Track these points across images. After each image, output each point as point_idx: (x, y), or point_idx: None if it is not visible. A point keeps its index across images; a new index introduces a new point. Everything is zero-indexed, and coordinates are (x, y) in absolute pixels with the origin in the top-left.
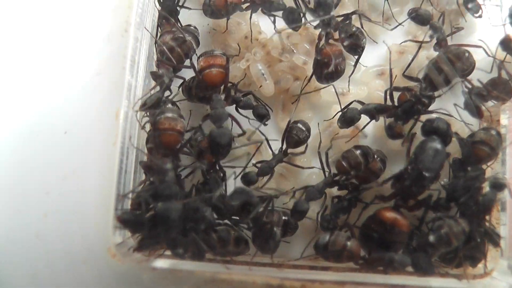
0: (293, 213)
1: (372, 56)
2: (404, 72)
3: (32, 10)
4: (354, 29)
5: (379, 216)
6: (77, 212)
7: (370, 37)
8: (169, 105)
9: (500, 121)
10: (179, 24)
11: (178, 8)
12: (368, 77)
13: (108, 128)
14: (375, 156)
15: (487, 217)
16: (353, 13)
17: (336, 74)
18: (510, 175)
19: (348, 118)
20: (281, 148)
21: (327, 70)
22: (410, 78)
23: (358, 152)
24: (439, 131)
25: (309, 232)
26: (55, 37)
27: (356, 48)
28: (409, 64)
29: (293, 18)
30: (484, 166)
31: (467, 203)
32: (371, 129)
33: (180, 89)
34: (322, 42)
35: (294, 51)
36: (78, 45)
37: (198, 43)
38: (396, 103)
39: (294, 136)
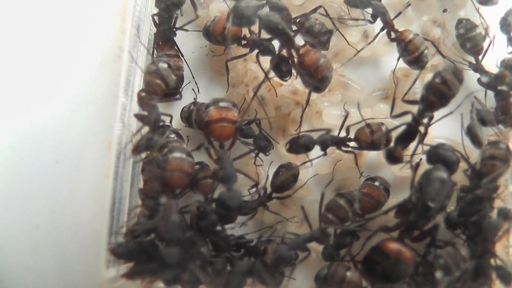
0: (273, 261)
1: (375, 79)
2: (403, 96)
3: (21, 36)
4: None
5: (382, 247)
6: (68, 246)
7: (371, 58)
8: (175, 143)
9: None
10: (176, 47)
11: (175, 30)
12: (371, 101)
13: (100, 159)
14: (379, 184)
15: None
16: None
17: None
18: None
19: (299, 145)
20: (265, 191)
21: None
22: (410, 102)
23: (340, 198)
24: (445, 159)
25: (311, 263)
26: (46, 64)
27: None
28: (409, 88)
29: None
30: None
31: (471, 228)
32: (375, 155)
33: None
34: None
35: (294, 75)
36: (69, 72)
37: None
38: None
39: (278, 182)
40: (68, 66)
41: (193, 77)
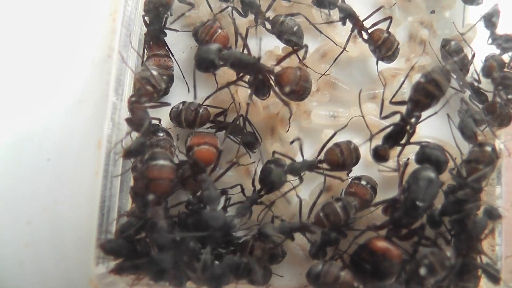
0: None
1: (364, 79)
2: (391, 99)
3: (13, 36)
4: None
5: (370, 245)
6: (58, 242)
7: (360, 58)
8: (159, 149)
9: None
10: (166, 47)
11: (165, 30)
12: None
13: (90, 157)
14: (366, 183)
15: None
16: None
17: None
18: (506, 199)
19: (272, 181)
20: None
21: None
22: (398, 103)
23: (338, 204)
24: (433, 159)
25: (298, 261)
26: (38, 63)
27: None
28: (397, 90)
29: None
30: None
31: (456, 226)
32: (363, 153)
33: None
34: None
35: None
36: (61, 71)
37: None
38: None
39: (263, 177)
40: (60, 66)
41: (183, 77)
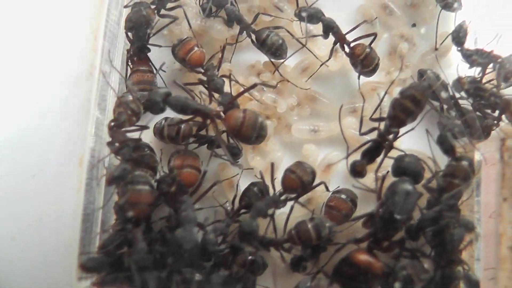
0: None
1: (345, 93)
2: (371, 116)
3: None
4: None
5: (352, 258)
6: (42, 258)
7: (340, 72)
8: (139, 172)
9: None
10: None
11: (148, 46)
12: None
13: (72, 174)
14: (346, 197)
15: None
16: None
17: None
18: (485, 211)
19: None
20: (232, 208)
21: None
22: (377, 119)
23: (310, 225)
24: (409, 170)
25: (281, 273)
26: (20, 80)
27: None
28: (377, 107)
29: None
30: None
31: (434, 239)
32: (343, 167)
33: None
34: None
35: (264, 89)
36: (43, 89)
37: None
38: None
39: (246, 199)
40: (42, 84)
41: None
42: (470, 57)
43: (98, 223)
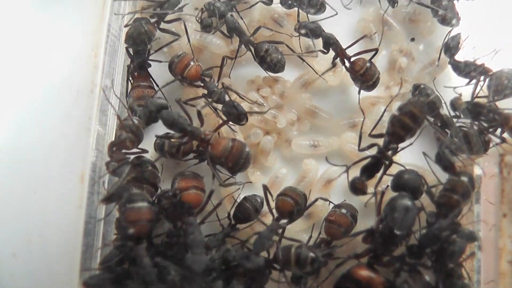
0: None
1: (345, 108)
2: (370, 132)
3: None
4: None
5: (352, 274)
6: (43, 274)
7: (340, 87)
8: (135, 190)
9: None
10: (150, 78)
11: (149, 61)
12: (339, 129)
13: (73, 191)
14: (346, 211)
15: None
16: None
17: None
18: (485, 224)
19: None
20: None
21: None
22: (376, 136)
23: (293, 251)
24: (409, 186)
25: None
26: (23, 97)
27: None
28: (376, 123)
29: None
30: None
31: (437, 252)
32: (343, 181)
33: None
34: None
35: (264, 104)
36: (45, 105)
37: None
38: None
39: (239, 214)
40: (44, 100)
41: (169, 107)
42: (459, 68)
43: (100, 237)
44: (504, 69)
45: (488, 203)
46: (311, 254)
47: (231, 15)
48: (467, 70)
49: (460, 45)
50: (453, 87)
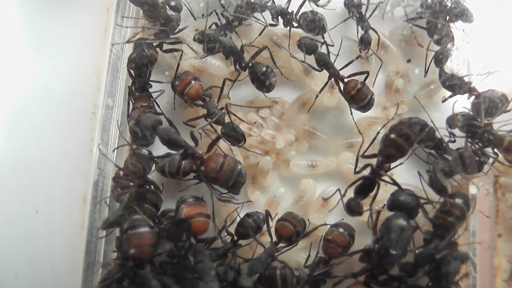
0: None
1: (342, 128)
2: (364, 153)
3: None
4: (264, 68)
5: None
6: None
7: (337, 108)
8: (136, 215)
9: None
10: (151, 98)
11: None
12: (337, 149)
13: (76, 211)
14: (343, 230)
15: None
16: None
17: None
18: (481, 245)
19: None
20: (232, 238)
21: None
22: (369, 156)
23: (278, 273)
24: (405, 206)
25: None
26: (26, 118)
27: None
28: (370, 144)
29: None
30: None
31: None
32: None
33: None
34: None
35: (263, 125)
36: (49, 127)
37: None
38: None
39: (241, 230)
40: (48, 122)
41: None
42: (444, 79)
43: (101, 254)
44: (495, 90)
45: (483, 222)
46: (296, 274)
47: (229, 37)
48: (451, 82)
49: (449, 56)
50: (443, 99)
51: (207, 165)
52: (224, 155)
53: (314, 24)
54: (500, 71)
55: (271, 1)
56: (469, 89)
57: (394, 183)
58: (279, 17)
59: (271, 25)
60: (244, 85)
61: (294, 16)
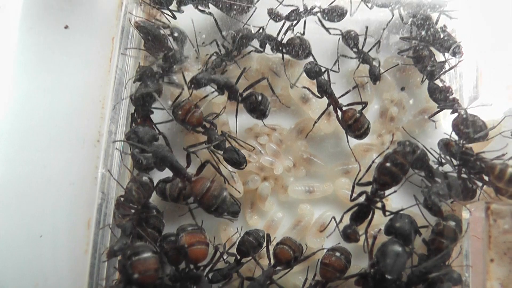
0: None
1: (339, 154)
2: (359, 180)
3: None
4: (260, 98)
5: None
6: None
7: (334, 134)
8: (139, 243)
9: (462, 214)
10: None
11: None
12: (334, 175)
13: (80, 236)
14: (340, 254)
15: None
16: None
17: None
18: (474, 268)
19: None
20: (236, 258)
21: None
22: (364, 184)
23: None
24: (400, 232)
25: None
26: (31, 145)
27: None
28: (366, 171)
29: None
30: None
31: None
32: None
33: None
34: None
35: (262, 152)
36: (53, 154)
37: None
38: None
39: (243, 248)
40: (52, 149)
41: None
42: (431, 91)
43: (104, 276)
44: (476, 115)
45: (476, 247)
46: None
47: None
48: (437, 95)
49: (442, 73)
50: (429, 116)
51: (194, 186)
52: (212, 180)
53: (301, 49)
54: (492, 104)
55: (261, 29)
56: (452, 102)
57: (385, 210)
58: (266, 44)
59: (256, 51)
60: (243, 112)
61: (281, 42)
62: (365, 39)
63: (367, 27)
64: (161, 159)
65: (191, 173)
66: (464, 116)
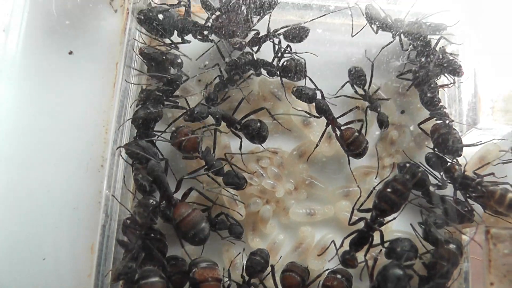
0: None
1: (339, 177)
2: (360, 206)
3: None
4: (258, 124)
5: None
6: None
7: (335, 157)
8: (146, 267)
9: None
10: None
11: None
12: (334, 197)
13: (83, 260)
14: (341, 276)
15: None
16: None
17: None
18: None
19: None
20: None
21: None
22: (364, 210)
23: None
24: (401, 256)
25: None
26: (35, 171)
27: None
28: (367, 198)
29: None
30: None
31: None
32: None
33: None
34: None
35: (263, 175)
36: (57, 179)
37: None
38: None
39: (251, 269)
40: (56, 174)
41: (173, 174)
42: (423, 99)
43: None
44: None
45: (475, 269)
46: None
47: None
48: (427, 102)
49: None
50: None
51: (176, 210)
52: (194, 208)
53: (296, 71)
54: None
55: (251, 55)
56: (442, 114)
57: (383, 240)
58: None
59: (254, 74)
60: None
61: (276, 66)
62: (371, 77)
63: (365, 51)
64: (153, 177)
65: (177, 198)
66: (448, 123)
